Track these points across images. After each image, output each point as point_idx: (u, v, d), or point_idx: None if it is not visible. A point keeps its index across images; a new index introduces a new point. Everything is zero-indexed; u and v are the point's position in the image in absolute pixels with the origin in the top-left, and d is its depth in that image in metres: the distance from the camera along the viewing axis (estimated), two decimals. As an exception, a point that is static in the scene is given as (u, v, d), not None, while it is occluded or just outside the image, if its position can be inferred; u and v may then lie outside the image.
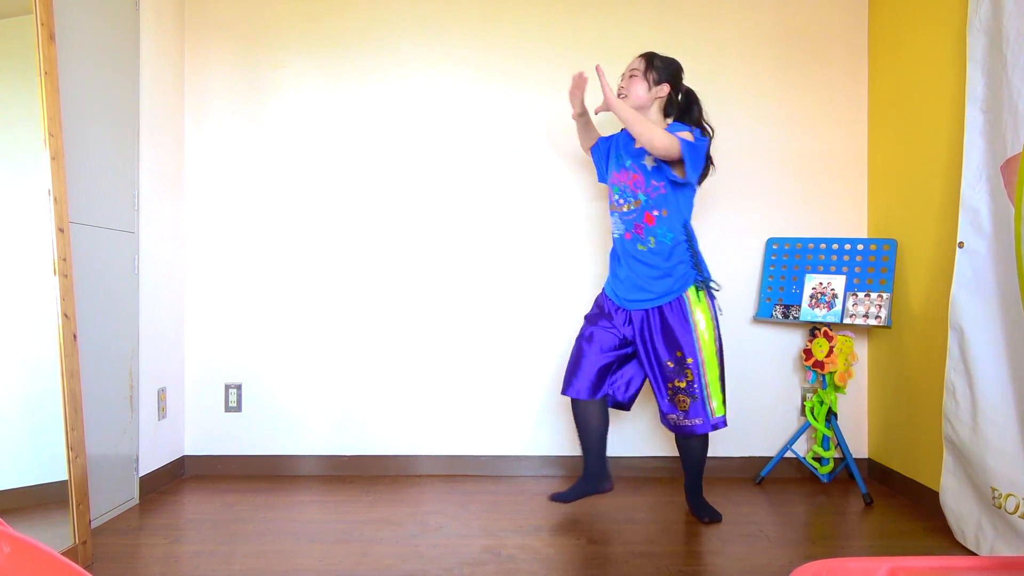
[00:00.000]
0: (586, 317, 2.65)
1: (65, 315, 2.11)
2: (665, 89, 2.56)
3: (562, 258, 3.17)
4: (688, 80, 3.18)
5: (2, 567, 0.91)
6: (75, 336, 2.16)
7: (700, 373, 2.44)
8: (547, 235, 3.17)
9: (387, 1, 3.18)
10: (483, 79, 3.17)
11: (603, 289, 2.68)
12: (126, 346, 2.67)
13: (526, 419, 3.15)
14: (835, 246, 3.01)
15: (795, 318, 3.00)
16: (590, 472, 2.60)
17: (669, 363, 2.46)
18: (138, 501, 2.75)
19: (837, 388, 2.93)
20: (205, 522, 2.55)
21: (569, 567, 2.14)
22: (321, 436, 3.17)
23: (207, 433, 3.18)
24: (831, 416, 2.94)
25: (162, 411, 2.96)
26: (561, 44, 3.17)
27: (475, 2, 3.18)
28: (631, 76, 2.55)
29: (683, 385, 2.45)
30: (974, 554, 2.23)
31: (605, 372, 2.55)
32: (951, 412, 2.35)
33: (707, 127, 2.58)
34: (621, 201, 2.56)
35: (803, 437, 3.14)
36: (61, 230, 2.12)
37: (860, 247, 2.96)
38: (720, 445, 3.16)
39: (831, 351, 2.88)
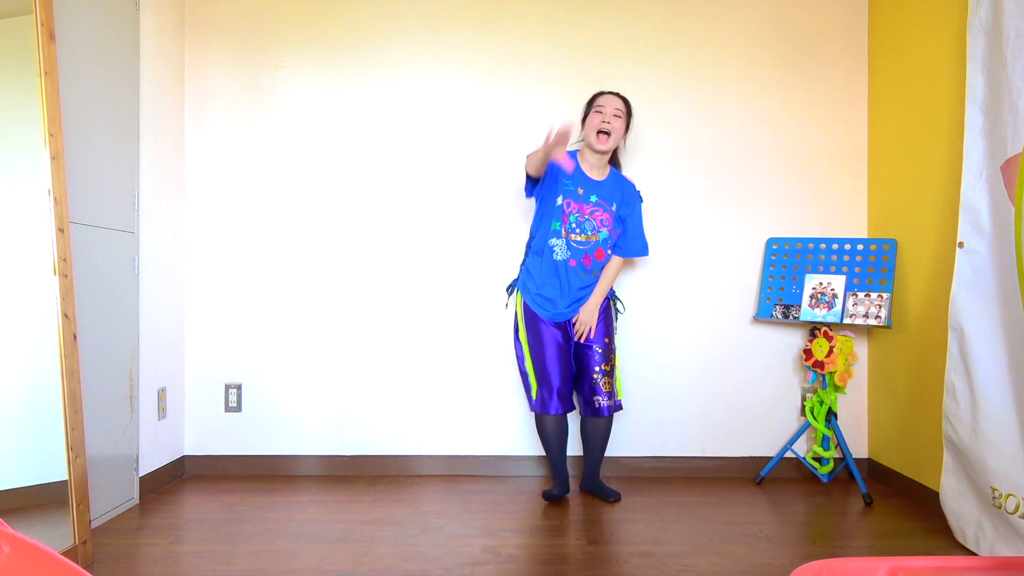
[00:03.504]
0: (537, 338, 2.75)
1: (65, 315, 2.11)
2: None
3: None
4: (688, 80, 3.20)
5: (2, 567, 0.90)
6: (75, 336, 2.16)
7: (617, 358, 2.84)
8: (547, 235, 3.17)
9: (387, 1, 3.18)
10: (483, 79, 3.17)
11: (529, 307, 2.75)
12: (126, 346, 2.67)
13: (526, 419, 3.15)
14: (835, 246, 3.01)
15: (795, 318, 3.00)
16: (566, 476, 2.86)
17: (598, 348, 2.74)
18: (138, 501, 2.75)
19: (837, 388, 2.93)
20: (205, 522, 2.55)
21: (569, 567, 2.14)
22: (321, 436, 3.17)
23: (207, 433, 3.18)
24: (831, 416, 2.94)
25: (162, 411, 2.96)
26: (561, 44, 3.17)
27: (475, 2, 3.18)
28: (615, 115, 2.69)
29: (608, 368, 2.76)
30: (974, 554, 2.23)
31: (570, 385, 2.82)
32: (951, 412, 2.35)
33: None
34: (578, 230, 2.69)
35: (803, 437, 3.15)
36: (61, 230, 2.12)
37: (860, 247, 2.96)
38: (720, 445, 3.16)
39: (831, 351, 2.88)
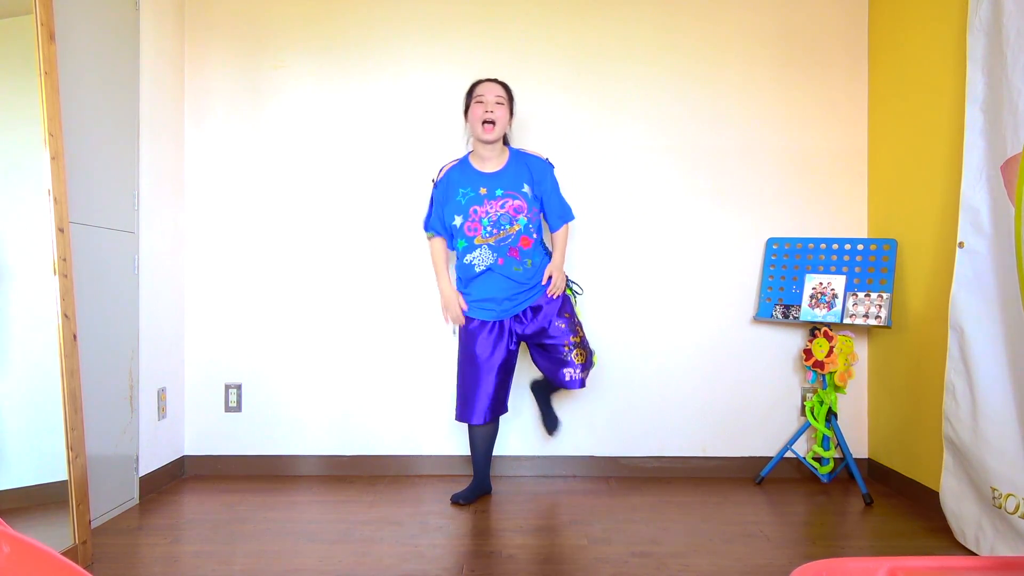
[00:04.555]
0: (469, 356, 2.72)
1: (65, 315, 2.11)
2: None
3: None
4: (688, 80, 3.20)
5: (2, 567, 0.90)
6: (75, 336, 2.16)
7: (582, 329, 2.77)
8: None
9: (387, 1, 3.18)
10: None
11: (472, 316, 2.71)
12: (126, 346, 2.67)
13: (525, 419, 3.15)
14: (835, 246, 3.01)
15: (795, 318, 3.00)
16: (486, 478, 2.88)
17: (560, 324, 2.69)
18: (138, 501, 2.75)
19: (837, 388, 2.93)
20: (205, 522, 2.55)
21: (569, 567, 2.14)
22: (321, 436, 3.17)
23: (207, 433, 3.18)
24: (831, 416, 2.94)
25: (162, 411, 2.96)
26: (561, 44, 3.17)
27: (475, 2, 3.18)
28: (497, 103, 2.66)
29: (577, 340, 2.70)
30: (974, 554, 2.23)
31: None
32: (951, 412, 2.35)
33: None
34: (495, 230, 2.63)
35: (803, 437, 3.14)
36: (61, 230, 2.12)
37: (860, 247, 2.96)
38: (720, 445, 3.16)
39: (831, 351, 2.88)
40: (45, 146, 2.09)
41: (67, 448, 2.09)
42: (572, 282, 2.87)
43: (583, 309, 3.14)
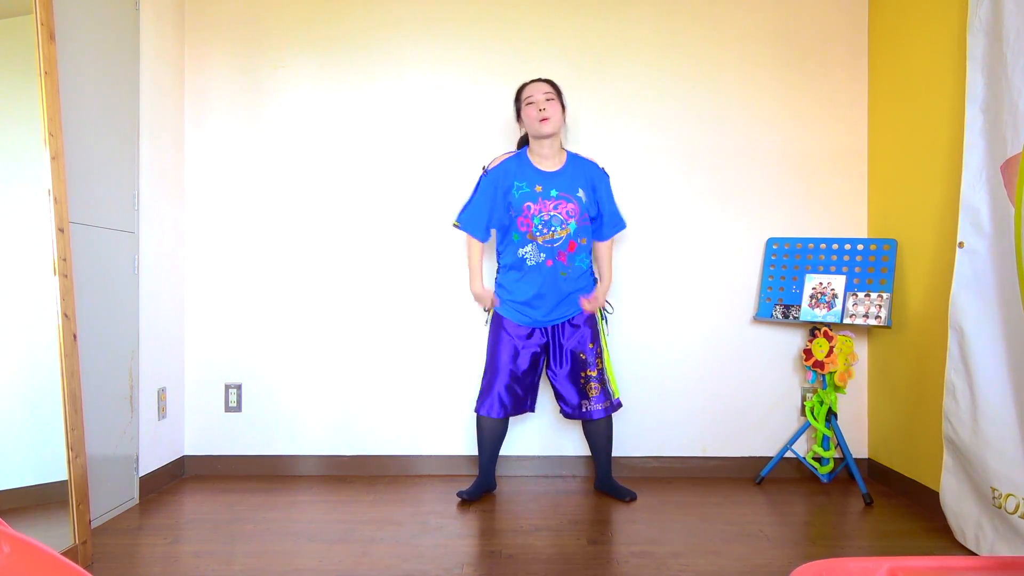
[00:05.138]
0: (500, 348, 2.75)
1: (65, 315, 2.11)
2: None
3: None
4: (688, 80, 3.20)
5: (2, 567, 0.90)
6: (75, 336, 2.16)
7: (604, 361, 2.80)
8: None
9: (387, 1, 3.18)
10: (483, 79, 3.17)
11: (503, 316, 2.75)
12: (126, 346, 2.67)
13: (525, 419, 3.15)
14: (835, 246, 3.01)
15: (795, 318, 3.00)
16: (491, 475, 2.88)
17: (582, 355, 2.75)
18: (138, 501, 2.75)
19: (837, 388, 2.93)
20: (205, 522, 2.55)
21: (569, 567, 2.14)
22: (321, 436, 3.17)
23: (207, 433, 3.18)
24: (831, 416, 2.94)
25: (162, 411, 2.96)
26: (561, 44, 3.17)
27: (475, 2, 3.18)
28: (548, 99, 2.67)
29: (594, 373, 2.76)
30: (974, 554, 2.23)
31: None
32: (951, 412, 2.35)
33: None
34: (545, 230, 2.66)
35: (803, 437, 3.15)
36: (61, 230, 2.12)
37: (860, 247, 2.96)
38: (720, 445, 3.16)
39: (831, 351, 2.88)
40: (45, 146, 2.09)
41: (67, 448, 2.09)
42: (606, 302, 2.91)
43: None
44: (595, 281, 2.83)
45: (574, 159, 2.77)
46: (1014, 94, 2.09)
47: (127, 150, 2.71)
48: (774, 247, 3.11)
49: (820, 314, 2.95)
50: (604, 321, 2.88)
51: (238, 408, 3.18)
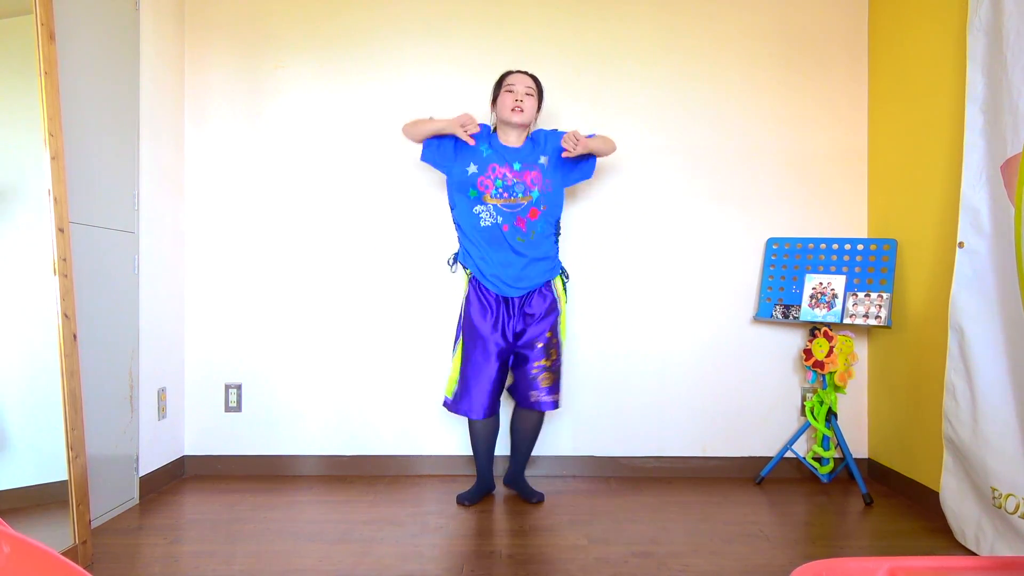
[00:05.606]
0: (473, 331, 2.67)
1: (65, 315, 2.11)
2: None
3: (562, 257, 3.16)
4: (688, 80, 3.20)
5: (2, 567, 0.90)
6: (75, 336, 2.16)
7: (561, 353, 2.76)
8: (547, 235, 3.17)
9: (387, 1, 3.18)
10: (483, 79, 3.17)
11: (476, 280, 2.69)
12: (126, 346, 2.67)
13: (526, 419, 3.15)
14: (835, 246, 3.01)
15: (795, 318, 3.00)
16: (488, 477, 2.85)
17: (539, 343, 2.68)
18: (138, 501, 2.75)
19: (837, 388, 2.93)
20: (205, 522, 2.55)
21: (569, 567, 2.14)
22: (321, 436, 3.17)
23: (207, 433, 3.18)
24: (831, 416, 2.94)
25: (162, 411, 2.96)
26: (561, 44, 3.17)
27: (475, 2, 3.18)
28: (527, 94, 2.69)
29: (549, 364, 2.69)
30: (974, 554, 2.23)
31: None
32: (951, 412, 2.35)
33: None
34: (505, 194, 2.63)
35: (803, 437, 3.14)
36: (61, 230, 2.12)
37: (860, 247, 2.96)
38: (720, 445, 3.16)
39: (831, 351, 2.88)
40: (45, 146, 2.09)
41: (67, 448, 2.09)
42: (563, 271, 2.80)
43: (582, 311, 3.14)
44: (558, 265, 2.75)
45: (533, 134, 2.78)
46: (1014, 94, 2.09)
47: (127, 150, 2.71)
48: (774, 247, 3.11)
49: (820, 314, 2.95)
50: (566, 309, 2.77)
51: (238, 408, 3.18)
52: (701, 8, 3.17)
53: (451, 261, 2.81)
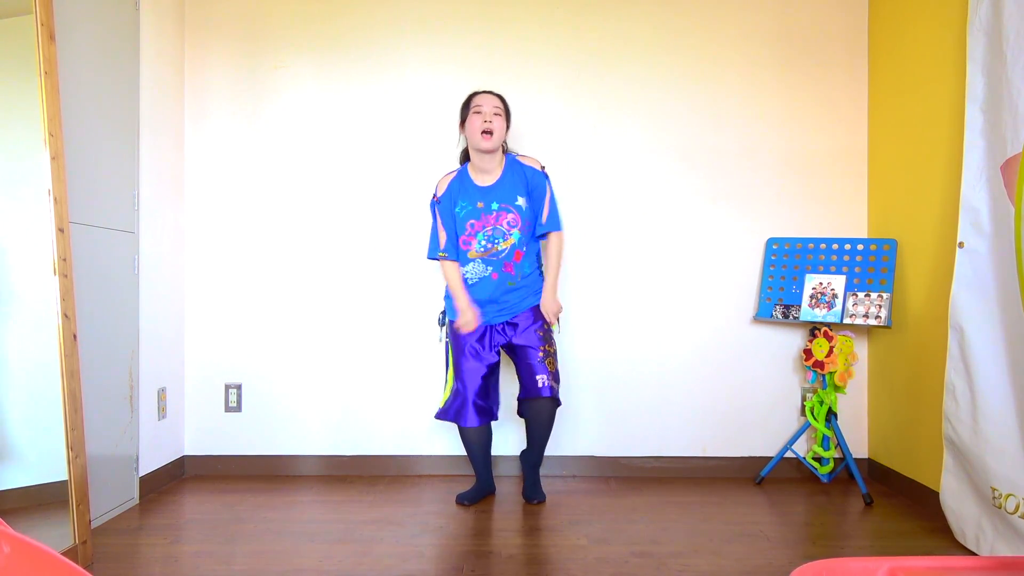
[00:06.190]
0: (460, 346, 2.72)
1: (65, 315, 2.11)
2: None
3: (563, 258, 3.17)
4: (688, 80, 3.20)
5: (2, 567, 0.90)
6: (75, 336, 2.16)
7: (556, 348, 2.76)
8: (547, 235, 3.17)
9: (387, 1, 3.18)
10: (483, 79, 3.17)
11: (452, 321, 2.73)
12: (126, 346, 2.67)
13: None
14: (835, 246, 3.01)
15: (795, 318, 3.00)
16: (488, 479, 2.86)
17: (539, 331, 2.69)
18: (138, 501, 2.75)
19: (837, 388, 2.93)
20: (205, 522, 2.55)
21: (569, 567, 2.14)
22: (321, 436, 3.17)
23: (207, 433, 3.18)
24: (831, 416, 2.94)
25: (162, 411, 2.96)
26: (561, 44, 3.17)
27: (475, 2, 3.18)
28: (495, 114, 2.67)
29: (551, 349, 2.71)
30: (974, 554, 2.23)
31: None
32: (951, 412, 2.35)
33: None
34: (489, 246, 2.67)
35: (803, 437, 3.14)
36: (61, 230, 2.12)
37: (860, 247, 2.96)
38: (720, 445, 3.16)
39: (831, 351, 2.88)
40: (45, 146, 2.09)
41: (67, 448, 2.09)
42: (556, 320, 2.82)
43: (582, 311, 3.14)
44: (540, 287, 2.76)
45: (512, 164, 2.72)
46: (1014, 94, 2.09)
47: (127, 150, 2.71)
48: (774, 247, 3.11)
49: (820, 314, 2.95)
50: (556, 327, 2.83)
51: (238, 408, 3.18)
52: (701, 8, 3.17)
53: (441, 321, 2.86)
